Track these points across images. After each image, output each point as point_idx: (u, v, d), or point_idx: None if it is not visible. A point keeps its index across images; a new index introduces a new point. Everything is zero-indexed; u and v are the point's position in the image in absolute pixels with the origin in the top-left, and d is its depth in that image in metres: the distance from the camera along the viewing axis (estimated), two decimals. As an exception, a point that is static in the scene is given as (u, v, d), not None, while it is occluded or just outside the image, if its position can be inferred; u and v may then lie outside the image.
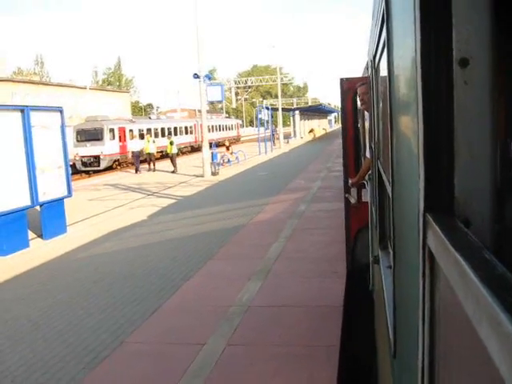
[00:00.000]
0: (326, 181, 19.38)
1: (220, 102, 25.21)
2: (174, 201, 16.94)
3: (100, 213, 15.50)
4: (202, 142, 54.87)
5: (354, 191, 7.04)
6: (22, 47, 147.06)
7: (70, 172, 36.67)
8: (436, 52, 0.99)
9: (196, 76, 23.21)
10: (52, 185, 11.99)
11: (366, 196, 6.31)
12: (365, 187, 6.41)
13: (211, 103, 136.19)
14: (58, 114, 12.59)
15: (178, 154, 33.77)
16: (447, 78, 0.97)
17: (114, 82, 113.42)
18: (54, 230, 11.96)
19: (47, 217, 11.79)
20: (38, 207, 11.71)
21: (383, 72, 2.39)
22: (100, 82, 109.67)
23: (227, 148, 30.81)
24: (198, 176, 24.31)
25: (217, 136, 61.34)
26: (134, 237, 11.54)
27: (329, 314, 6.13)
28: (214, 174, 23.94)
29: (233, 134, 70.17)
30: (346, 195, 7.22)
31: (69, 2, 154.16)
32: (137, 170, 29.51)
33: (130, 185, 22.89)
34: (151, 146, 30.10)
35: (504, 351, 0.53)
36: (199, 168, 25.28)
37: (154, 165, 29.99)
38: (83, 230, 12.90)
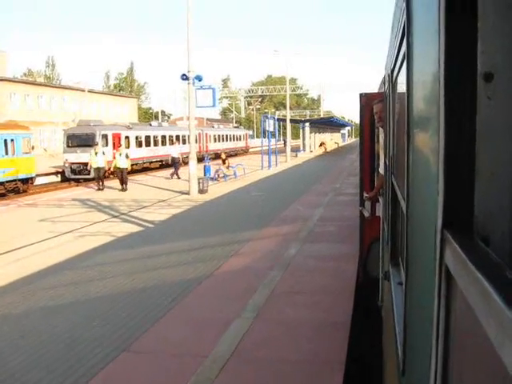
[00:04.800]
0: (331, 208, 15.82)
1: (212, 107, 21.00)
2: (137, 228, 13.52)
3: (39, 241, 12.15)
4: (206, 151, 52.61)
5: (368, 205, 7.05)
6: (36, 50, 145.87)
7: (59, 179, 33.84)
8: (460, 66, 0.97)
9: (184, 77, 19.84)
10: None
11: (380, 210, 6.23)
12: (378, 201, 6.38)
13: (223, 113, 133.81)
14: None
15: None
16: (471, 92, 0.93)
17: (126, 87, 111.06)
18: None
19: None
20: None
21: (401, 86, 2.36)
22: (112, 87, 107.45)
23: (223, 161, 27.28)
24: (183, 193, 20.90)
25: (222, 146, 58.09)
26: (48, 289, 8.10)
27: None
28: (201, 191, 20.51)
29: (241, 144, 66.94)
30: (360, 208, 7.36)
31: (85, 6, 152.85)
32: (175, 175, 27.88)
33: (100, 201, 19.54)
34: (100, 158, 24.68)
35: None
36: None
37: (102, 182, 24.31)
38: (-5, 270, 9.53)
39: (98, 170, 24.13)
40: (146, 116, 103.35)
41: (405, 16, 1.87)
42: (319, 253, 9.82)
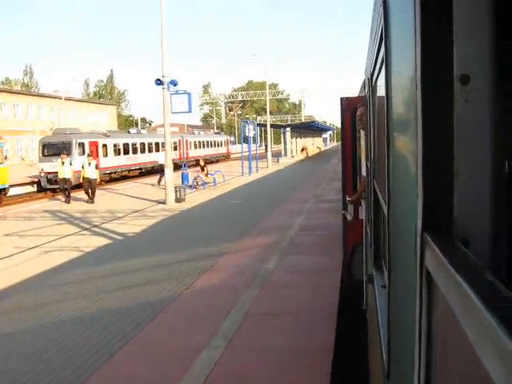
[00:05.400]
0: (312, 216, 15.18)
1: (187, 113, 20.20)
2: (107, 242, 12.73)
3: (0, 258, 11.32)
4: (186, 158, 51.77)
5: (350, 208, 7.05)
6: (14, 58, 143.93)
7: (35, 190, 32.49)
8: (436, 69, 0.98)
9: (159, 82, 19.10)
10: None
11: (363, 213, 6.09)
12: (361, 204, 6.36)
13: (205, 119, 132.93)
14: None
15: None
16: (448, 95, 0.95)
17: (106, 94, 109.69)
18: None
19: None
20: None
21: (381, 90, 2.40)
22: (91, 95, 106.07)
23: (202, 168, 26.52)
24: (160, 202, 20.11)
25: (203, 153, 57.23)
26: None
27: None
28: (178, 200, 19.73)
29: (222, 150, 66.14)
30: (343, 212, 7.34)
31: (64, 15, 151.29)
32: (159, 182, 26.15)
33: (72, 213, 18.67)
34: (66, 169, 22.52)
35: (509, 379, 0.53)
36: (168, 191, 20.98)
37: (69, 194, 22.57)
38: None
39: (64, 181, 22.54)
40: (127, 123, 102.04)
41: (382, 20, 1.86)
42: (299, 267, 9.15)
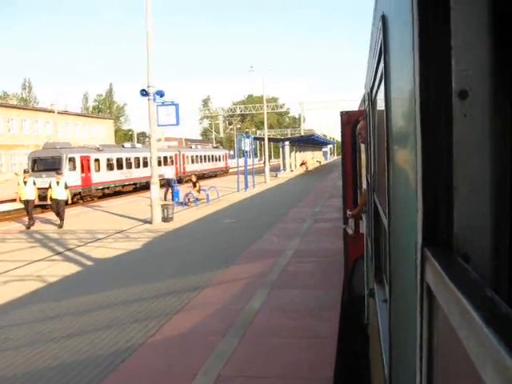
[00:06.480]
0: (309, 238, 13.68)
1: (174, 125, 18.80)
2: (76, 269, 11.27)
3: None
4: (183, 173, 50.40)
5: (351, 222, 7.02)
6: (13, 73, 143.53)
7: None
8: (435, 84, 0.97)
9: (144, 93, 17.74)
10: None
11: (363, 227, 5.99)
12: (362, 219, 6.25)
13: (204, 134, 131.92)
14: None
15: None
16: (446, 110, 0.94)
17: (105, 109, 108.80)
18: None
19: None
20: None
21: (380, 104, 2.40)
22: (90, 109, 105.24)
23: (194, 184, 25.09)
24: (146, 221, 18.65)
25: (201, 168, 55.97)
26: None
27: None
28: (165, 219, 18.27)
29: (220, 165, 64.87)
30: (344, 226, 7.34)
31: (65, 29, 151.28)
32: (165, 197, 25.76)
33: (51, 232, 17.23)
34: (29, 189, 19.14)
35: None
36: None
37: (31, 218, 19.25)
38: None
39: (26, 202, 18.98)
40: (126, 138, 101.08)
41: (381, 35, 1.86)
42: (291, 305, 7.67)
